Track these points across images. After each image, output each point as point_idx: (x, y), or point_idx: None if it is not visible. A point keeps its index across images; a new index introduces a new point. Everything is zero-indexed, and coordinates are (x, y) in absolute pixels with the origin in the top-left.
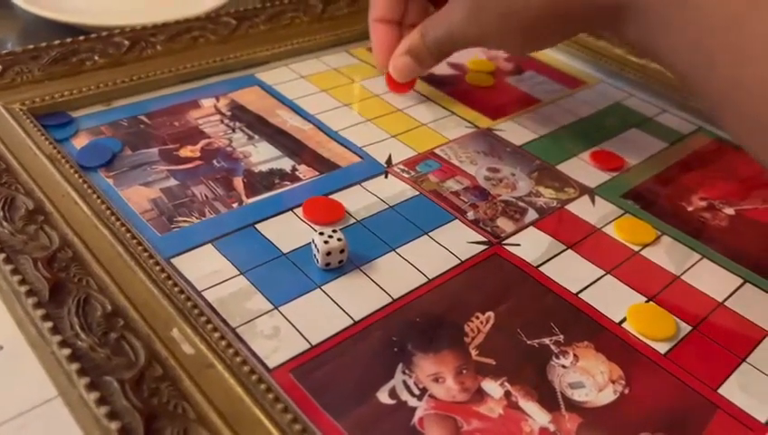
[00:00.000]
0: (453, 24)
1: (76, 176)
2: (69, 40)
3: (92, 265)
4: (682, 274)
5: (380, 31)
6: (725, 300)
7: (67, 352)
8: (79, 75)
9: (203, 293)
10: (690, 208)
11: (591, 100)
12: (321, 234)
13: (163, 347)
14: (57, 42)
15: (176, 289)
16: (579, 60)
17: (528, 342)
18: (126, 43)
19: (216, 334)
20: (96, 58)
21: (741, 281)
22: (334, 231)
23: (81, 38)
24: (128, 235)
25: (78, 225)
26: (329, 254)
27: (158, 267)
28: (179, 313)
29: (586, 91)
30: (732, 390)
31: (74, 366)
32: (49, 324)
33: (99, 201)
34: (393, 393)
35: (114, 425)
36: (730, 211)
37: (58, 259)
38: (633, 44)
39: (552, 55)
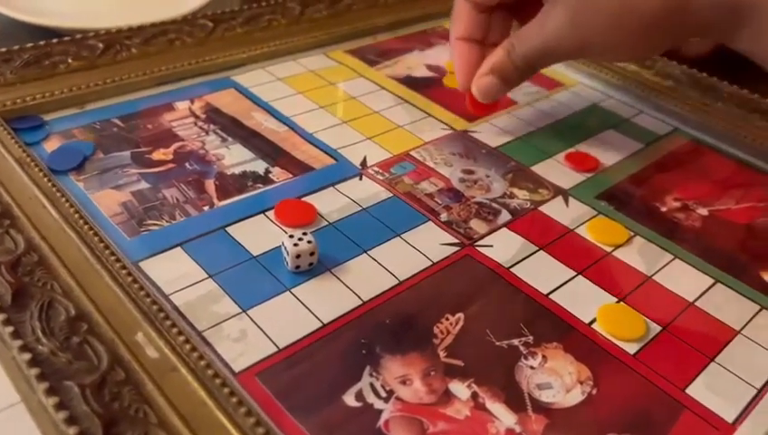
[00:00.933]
0: (548, 35)
1: (45, 180)
2: (42, 43)
3: (58, 269)
4: (653, 274)
5: (462, 49)
6: (696, 300)
7: (27, 357)
8: (52, 78)
9: (170, 296)
10: (664, 209)
11: (568, 101)
12: (291, 237)
13: (127, 351)
14: (30, 44)
15: (142, 293)
16: None
17: (497, 343)
18: (100, 45)
19: (181, 338)
20: (69, 61)
21: (712, 281)
22: (304, 234)
23: (55, 41)
24: (95, 238)
25: (45, 229)
26: (298, 257)
27: (124, 271)
28: (145, 317)
29: (563, 93)
30: (699, 390)
31: (34, 371)
32: (10, 329)
33: (67, 205)
34: (360, 396)
35: (72, 430)
36: (704, 212)
37: (23, 263)
38: (743, 51)
39: None
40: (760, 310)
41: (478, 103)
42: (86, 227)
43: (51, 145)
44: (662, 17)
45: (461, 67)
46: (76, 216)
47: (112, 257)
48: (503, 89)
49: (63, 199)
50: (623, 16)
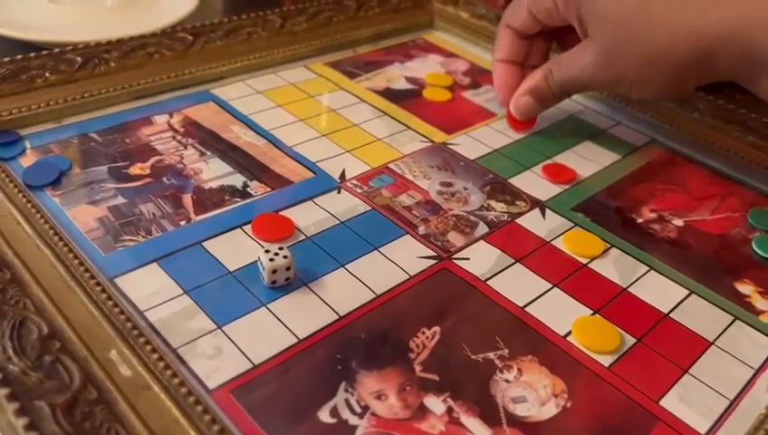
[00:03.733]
0: (584, 67)
1: (20, 196)
2: (19, 57)
3: (31, 287)
4: (629, 286)
5: (503, 71)
6: (671, 311)
7: None
8: (29, 93)
9: (145, 313)
10: (640, 220)
11: (546, 113)
12: (267, 251)
13: (100, 369)
14: (7, 59)
15: (116, 310)
16: None
17: (473, 357)
18: (78, 59)
19: (155, 356)
20: (47, 75)
21: (687, 292)
22: (281, 248)
23: (32, 55)
24: (70, 255)
25: (19, 245)
26: (274, 272)
27: (98, 288)
28: (119, 334)
29: None
30: (673, 401)
31: (4, 391)
32: None
33: (42, 221)
34: (334, 412)
35: None
36: (679, 222)
37: None
38: (766, 99)
39: None
40: (734, 320)
41: (516, 119)
42: (61, 243)
43: (27, 160)
44: (688, 65)
45: (501, 87)
46: (51, 232)
47: (87, 274)
48: (539, 109)
49: (38, 216)
50: (652, 62)
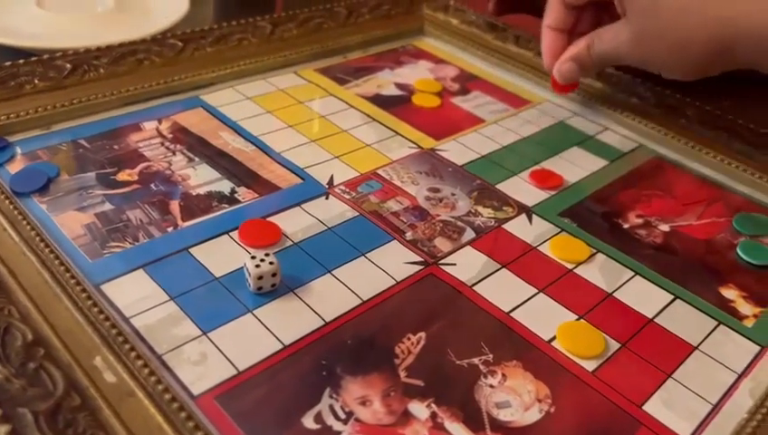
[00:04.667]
0: (620, 43)
1: (7, 202)
2: (8, 63)
3: (17, 294)
4: (614, 291)
5: (550, 37)
6: (656, 316)
7: None
8: (17, 99)
9: (131, 319)
10: (626, 226)
11: (535, 119)
12: (253, 258)
13: (84, 376)
14: None
15: (101, 316)
16: (524, 79)
17: (457, 362)
18: (68, 66)
19: (140, 362)
20: (36, 82)
21: (672, 297)
22: (267, 254)
23: (21, 61)
24: (56, 261)
25: (5, 252)
26: (260, 278)
27: (84, 294)
28: (103, 341)
29: (530, 111)
30: (657, 406)
31: None
32: None
33: (29, 227)
34: (318, 418)
35: None
36: (665, 228)
37: None
38: None
39: (498, 75)
40: (717, 325)
41: (558, 83)
42: (47, 250)
43: (15, 167)
44: (712, 52)
45: (547, 51)
46: (37, 239)
47: (72, 281)
48: (580, 75)
49: (25, 222)
50: (678, 49)
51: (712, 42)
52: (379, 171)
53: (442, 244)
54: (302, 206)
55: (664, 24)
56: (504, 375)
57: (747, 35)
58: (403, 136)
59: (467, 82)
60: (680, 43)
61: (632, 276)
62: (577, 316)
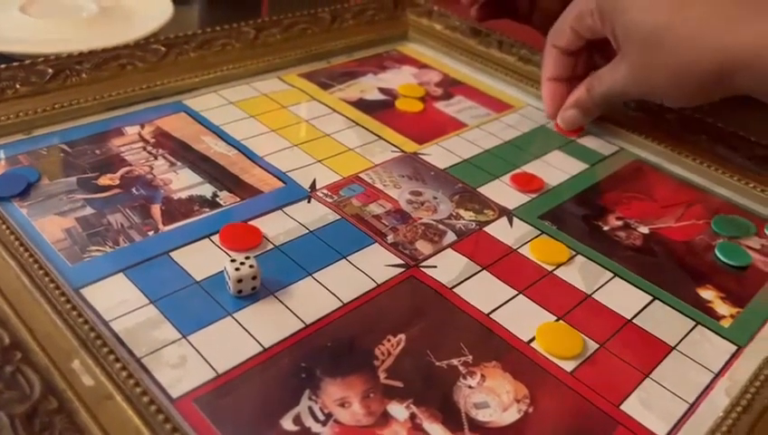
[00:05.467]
0: (618, 81)
1: None
2: None
3: None
4: (593, 292)
5: (551, 88)
6: (634, 317)
7: None
8: None
9: (110, 323)
10: (606, 228)
11: (517, 123)
12: (233, 261)
13: (62, 379)
14: None
15: (80, 320)
16: (507, 84)
17: (437, 363)
18: (50, 71)
19: (118, 365)
20: (18, 86)
21: (650, 298)
22: (247, 258)
23: (3, 66)
24: (35, 265)
25: None
26: (240, 281)
27: (63, 298)
28: (82, 344)
29: (512, 115)
30: (634, 406)
31: None
32: None
33: (8, 232)
34: (297, 420)
35: None
36: (644, 230)
37: None
38: None
39: (481, 80)
40: (695, 326)
41: (563, 130)
42: (26, 254)
43: None
44: (712, 81)
45: (549, 102)
46: (16, 243)
47: (52, 285)
48: (584, 119)
49: (4, 226)
50: (679, 78)
51: (712, 71)
52: (362, 175)
53: (423, 247)
54: (284, 209)
55: (663, 56)
56: (483, 376)
57: (746, 65)
58: (386, 140)
59: (450, 86)
60: (680, 73)
61: (611, 278)
62: (556, 317)
